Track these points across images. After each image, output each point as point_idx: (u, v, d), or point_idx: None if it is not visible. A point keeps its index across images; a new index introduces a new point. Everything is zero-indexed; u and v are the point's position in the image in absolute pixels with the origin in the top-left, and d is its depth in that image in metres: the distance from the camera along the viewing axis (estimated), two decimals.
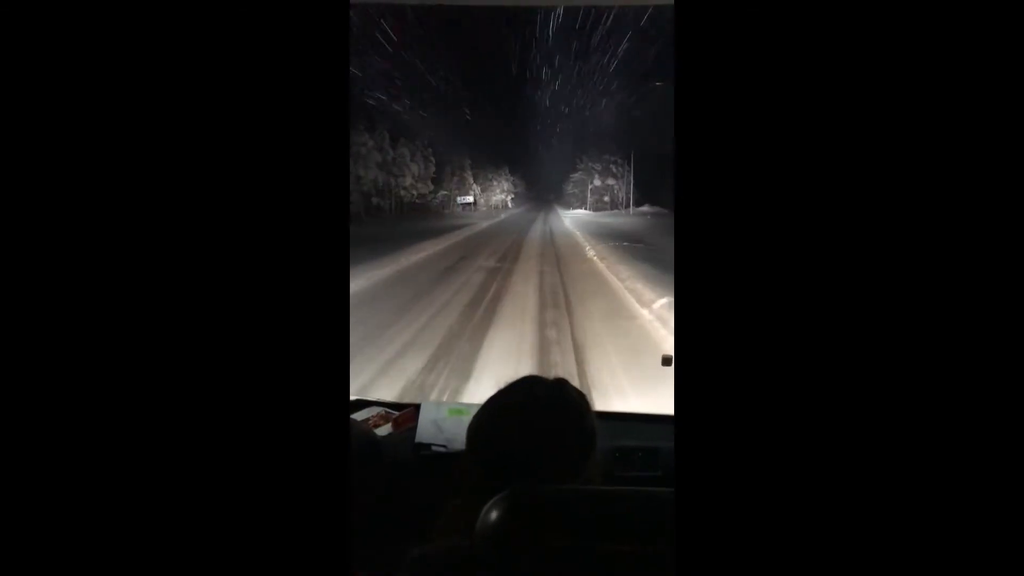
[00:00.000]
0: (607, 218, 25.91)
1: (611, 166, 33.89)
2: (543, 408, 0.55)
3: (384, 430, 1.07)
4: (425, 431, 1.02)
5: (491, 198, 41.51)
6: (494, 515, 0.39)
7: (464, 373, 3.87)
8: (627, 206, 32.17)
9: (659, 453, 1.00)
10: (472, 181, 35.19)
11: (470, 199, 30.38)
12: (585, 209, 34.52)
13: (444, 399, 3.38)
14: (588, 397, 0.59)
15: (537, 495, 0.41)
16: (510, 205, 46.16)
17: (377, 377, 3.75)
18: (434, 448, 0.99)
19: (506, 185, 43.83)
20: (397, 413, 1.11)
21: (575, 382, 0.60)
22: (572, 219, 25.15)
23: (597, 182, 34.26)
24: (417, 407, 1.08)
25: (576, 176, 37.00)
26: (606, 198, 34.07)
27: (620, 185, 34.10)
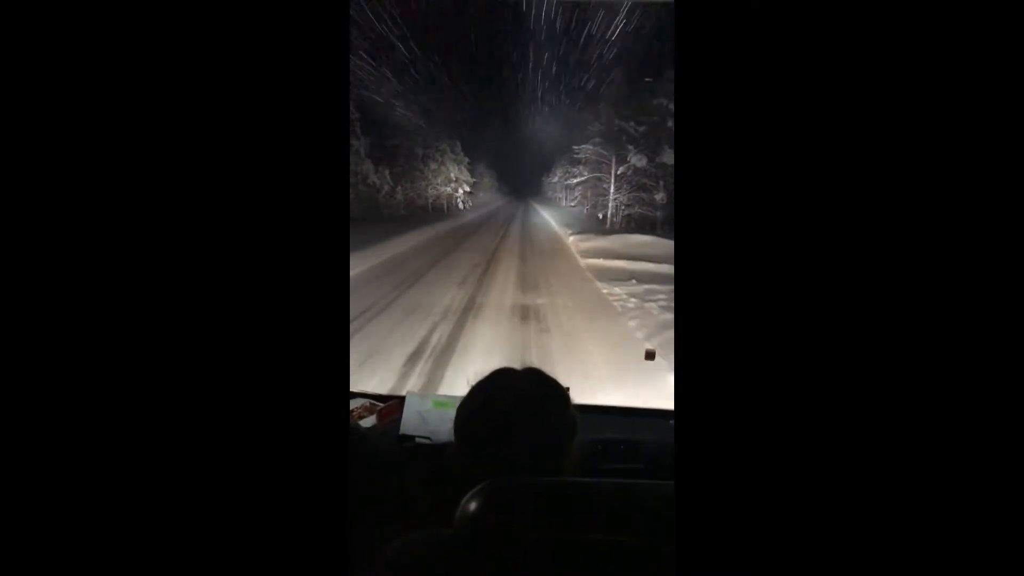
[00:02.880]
0: None
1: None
2: (525, 398, 0.56)
3: (368, 422, 1.08)
4: (410, 423, 1.02)
5: (423, 191, 23.05)
6: (473, 506, 0.41)
7: None
8: None
9: (640, 446, 1.00)
10: (362, 156, 16.42)
11: None
12: (609, 229, 15.96)
13: None
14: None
15: (514, 486, 0.43)
16: (462, 206, 27.46)
17: None
18: (418, 440, 0.99)
19: (452, 172, 25.10)
20: (381, 405, 1.12)
21: None
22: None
23: (639, 161, 15.42)
24: (402, 399, 1.08)
25: (583, 154, 18.23)
26: (660, 196, 15.45)
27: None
